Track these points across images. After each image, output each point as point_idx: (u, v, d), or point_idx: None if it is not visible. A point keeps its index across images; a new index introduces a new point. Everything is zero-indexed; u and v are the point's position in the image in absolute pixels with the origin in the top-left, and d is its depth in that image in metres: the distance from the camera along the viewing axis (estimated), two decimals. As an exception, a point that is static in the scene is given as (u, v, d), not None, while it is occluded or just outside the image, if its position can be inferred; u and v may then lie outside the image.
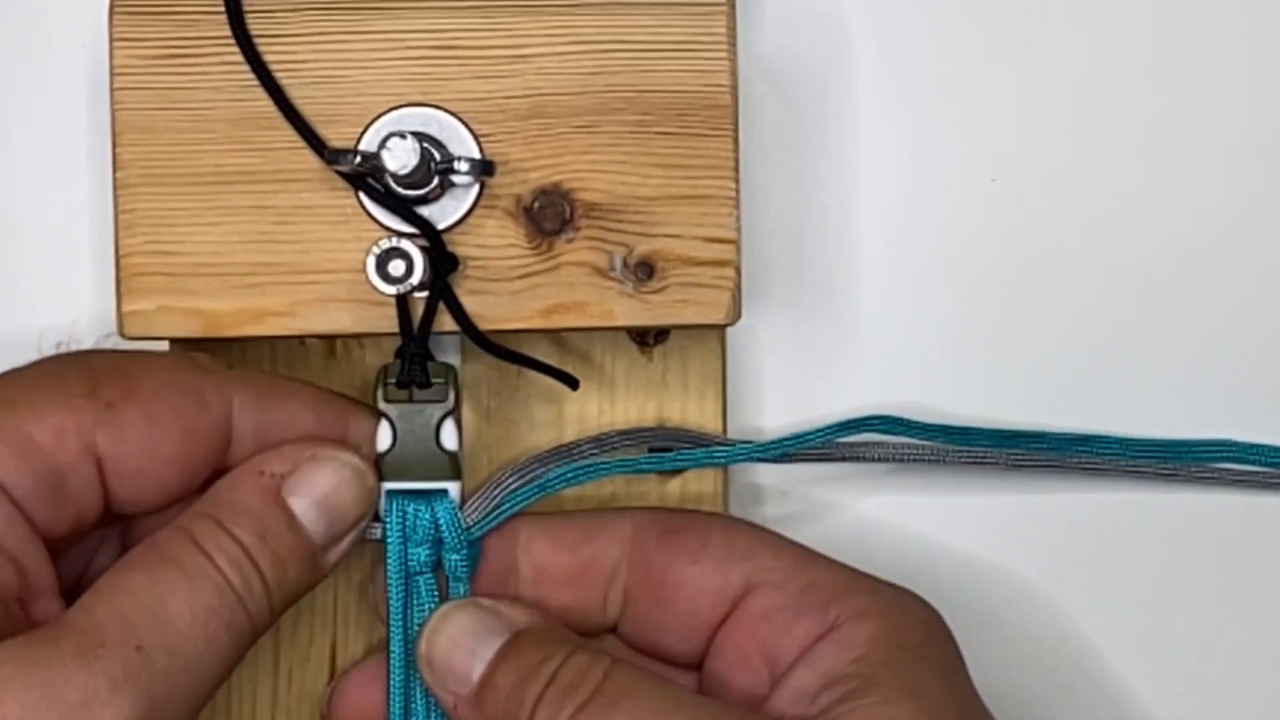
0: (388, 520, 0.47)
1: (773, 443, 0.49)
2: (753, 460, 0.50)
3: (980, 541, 0.53)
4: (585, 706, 0.44)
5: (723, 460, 0.49)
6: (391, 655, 0.47)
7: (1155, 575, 0.53)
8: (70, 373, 0.45)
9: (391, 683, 0.47)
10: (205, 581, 0.43)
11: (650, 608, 0.48)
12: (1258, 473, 0.52)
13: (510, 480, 0.47)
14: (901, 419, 0.50)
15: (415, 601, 0.47)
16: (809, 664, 0.45)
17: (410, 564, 0.47)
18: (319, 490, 0.46)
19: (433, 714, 0.47)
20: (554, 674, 0.44)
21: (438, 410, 0.47)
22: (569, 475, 0.48)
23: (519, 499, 0.47)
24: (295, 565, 0.45)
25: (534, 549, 0.48)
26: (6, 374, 0.45)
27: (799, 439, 0.49)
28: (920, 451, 0.50)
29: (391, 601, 0.47)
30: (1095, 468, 0.52)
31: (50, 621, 0.43)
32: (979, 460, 0.51)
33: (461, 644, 0.46)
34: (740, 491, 0.52)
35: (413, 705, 0.47)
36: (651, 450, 0.50)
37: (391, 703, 0.47)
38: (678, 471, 0.50)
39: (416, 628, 0.47)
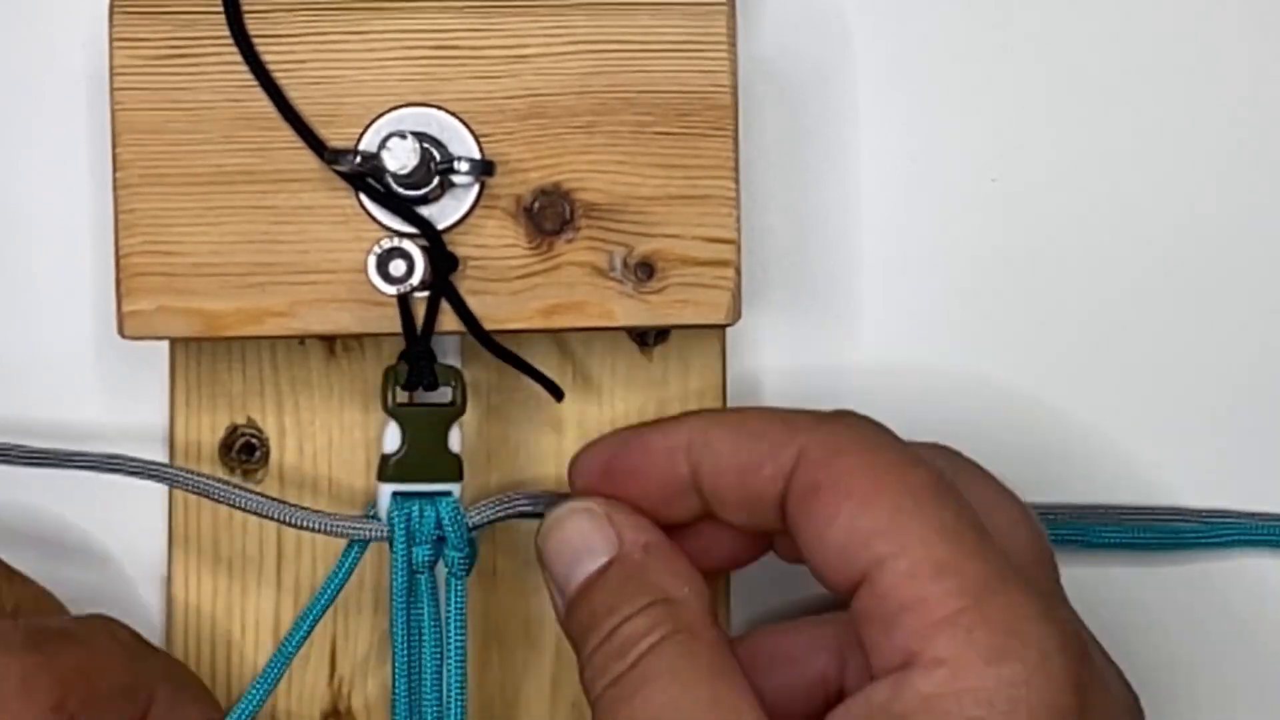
0: (394, 521, 0.47)
1: None
2: None
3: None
4: (616, 682, 0.44)
5: None
6: (395, 654, 0.47)
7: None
8: (39, 688, 0.44)
9: (395, 672, 0.47)
10: None
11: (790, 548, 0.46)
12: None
13: (521, 498, 0.48)
14: None
15: (415, 600, 0.47)
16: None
17: (414, 562, 0.47)
18: None
19: (426, 700, 0.47)
20: (613, 630, 0.44)
21: (445, 414, 0.47)
22: None
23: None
24: None
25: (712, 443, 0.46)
26: None
27: None
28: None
29: (395, 600, 0.47)
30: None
31: None
32: None
33: (564, 556, 0.46)
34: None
35: (417, 692, 0.47)
36: None
37: (395, 694, 0.47)
38: None
39: (417, 626, 0.47)
